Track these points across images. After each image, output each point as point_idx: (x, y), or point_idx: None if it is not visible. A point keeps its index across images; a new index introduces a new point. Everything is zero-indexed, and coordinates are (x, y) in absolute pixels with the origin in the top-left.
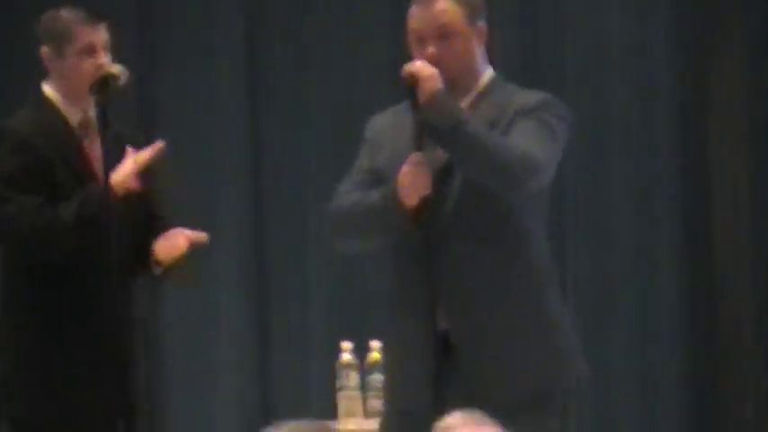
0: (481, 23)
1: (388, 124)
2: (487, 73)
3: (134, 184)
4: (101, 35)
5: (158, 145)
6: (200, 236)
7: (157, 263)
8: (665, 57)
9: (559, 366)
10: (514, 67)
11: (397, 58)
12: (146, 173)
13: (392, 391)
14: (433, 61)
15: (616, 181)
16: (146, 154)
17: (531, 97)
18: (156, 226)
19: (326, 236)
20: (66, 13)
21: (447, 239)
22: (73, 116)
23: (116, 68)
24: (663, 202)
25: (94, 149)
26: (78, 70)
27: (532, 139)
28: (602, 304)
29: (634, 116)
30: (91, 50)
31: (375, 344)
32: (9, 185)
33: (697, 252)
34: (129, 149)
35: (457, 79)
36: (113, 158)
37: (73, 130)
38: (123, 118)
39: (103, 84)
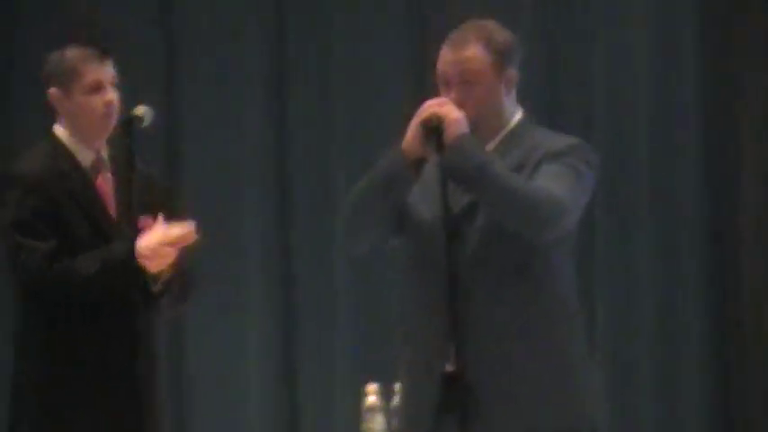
0: (511, 70)
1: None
2: (516, 116)
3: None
4: (107, 71)
5: (190, 228)
6: (186, 233)
7: (154, 278)
8: (693, 87)
9: (577, 410)
10: (541, 97)
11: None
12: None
13: (403, 429)
14: (456, 105)
15: (642, 220)
16: (176, 233)
17: (558, 141)
18: None
19: (353, 276)
20: (70, 52)
21: (468, 279)
22: (85, 156)
23: (140, 110)
24: (689, 246)
25: (107, 188)
26: (87, 108)
27: (558, 182)
28: (625, 348)
29: (659, 149)
30: (98, 87)
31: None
32: (21, 231)
33: (724, 291)
34: (161, 217)
35: (480, 124)
36: (136, 198)
37: (85, 172)
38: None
39: (128, 125)
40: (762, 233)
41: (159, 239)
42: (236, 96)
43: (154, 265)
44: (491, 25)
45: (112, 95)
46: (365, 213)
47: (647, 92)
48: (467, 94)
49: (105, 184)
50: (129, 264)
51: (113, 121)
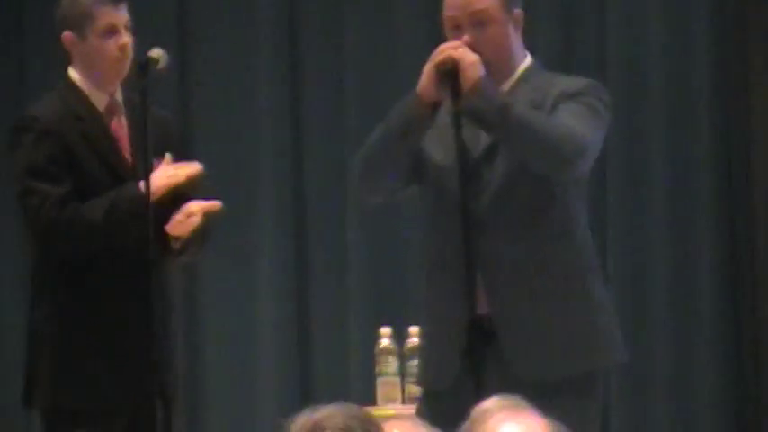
0: (518, 10)
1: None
2: (527, 59)
3: (165, 196)
4: (121, 15)
5: (196, 168)
6: (214, 205)
7: (176, 238)
8: (706, 59)
9: (599, 349)
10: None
11: (434, 40)
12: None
13: (426, 373)
14: (469, 48)
15: (654, 177)
16: (183, 173)
17: (573, 81)
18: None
19: (365, 219)
20: None
21: (489, 223)
22: (99, 100)
23: (155, 52)
24: (701, 200)
25: (122, 131)
26: (101, 52)
27: (578, 120)
28: (638, 301)
29: (673, 111)
30: (112, 31)
31: (414, 330)
32: (34, 176)
33: (737, 251)
34: (168, 158)
35: (494, 66)
36: (151, 141)
37: (100, 115)
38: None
39: (144, 68)
40: None
41: (164, 181)
42: (249, 53)
43: (178, 231)
44: None
45: (126, 39)
46: (381, 159)
47: (660, 59)
48: (479, 36)
49: (120, 127)
50: (138, 204)
51: (127, 64)
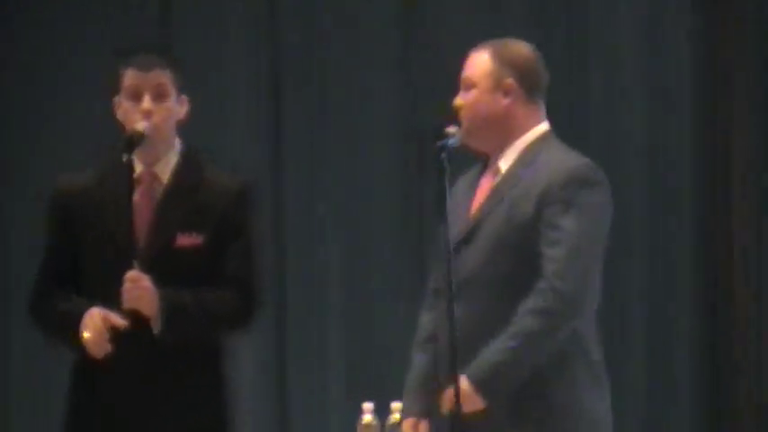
0: (510, 80)
1: (461, 190)
2: (533, 131)
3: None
4: (149, 79)
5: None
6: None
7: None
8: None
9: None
10: None
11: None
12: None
13: None
14: (456, 110)
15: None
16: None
17: (561, 169)
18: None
19: (347, 293)
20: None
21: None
22: (138, 168)
23: (141, 125)
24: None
25: (144, 205)
26: (126, 117)
27: (571, 263)
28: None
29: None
30: (134, 95)
31: (396, 405)
32: (44, 250)
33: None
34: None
35: (480, 132)
36: (165, 216)
37: (130, 184)
38: None
39: (129, 143)
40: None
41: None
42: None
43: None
44: (512, 41)
45: (147, 105)
46: None
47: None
48: (466, 100)
49: (146, 200)
50: (73, 332)
51: (158, 134)
